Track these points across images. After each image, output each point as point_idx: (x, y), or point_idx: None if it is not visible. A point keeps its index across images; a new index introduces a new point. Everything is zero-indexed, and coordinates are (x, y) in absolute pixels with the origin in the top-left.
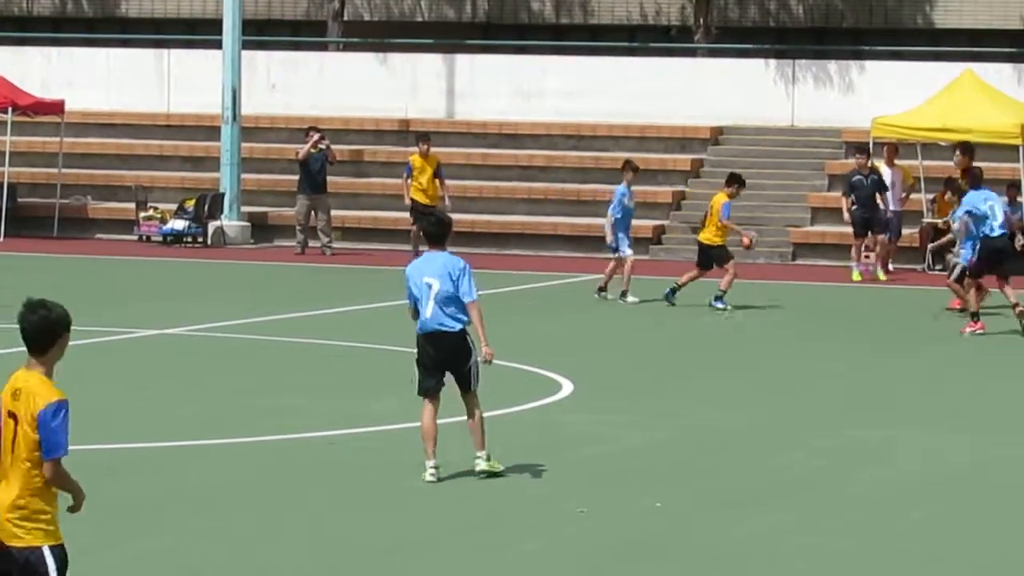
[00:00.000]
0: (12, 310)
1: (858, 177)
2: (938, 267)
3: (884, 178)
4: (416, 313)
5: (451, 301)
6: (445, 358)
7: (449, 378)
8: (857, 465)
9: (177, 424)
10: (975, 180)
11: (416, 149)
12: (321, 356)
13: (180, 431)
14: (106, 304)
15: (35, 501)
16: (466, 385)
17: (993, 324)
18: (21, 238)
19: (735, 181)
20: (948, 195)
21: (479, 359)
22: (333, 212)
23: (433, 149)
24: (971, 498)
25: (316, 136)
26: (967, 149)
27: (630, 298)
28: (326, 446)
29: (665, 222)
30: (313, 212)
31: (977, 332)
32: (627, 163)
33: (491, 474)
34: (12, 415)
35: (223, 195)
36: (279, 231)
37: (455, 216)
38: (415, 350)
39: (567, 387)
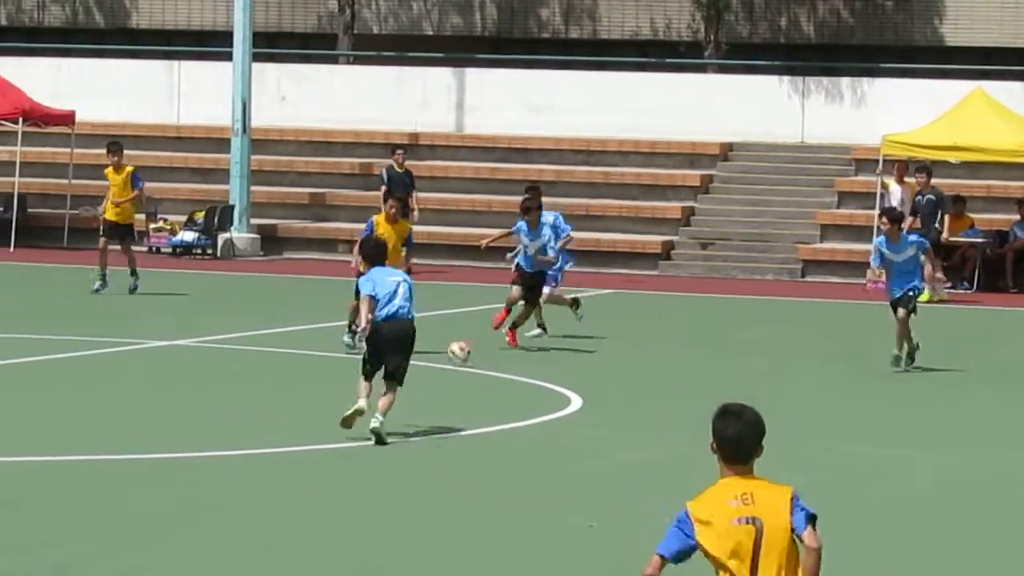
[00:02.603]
0: (21, 320)
1: (917, 197)
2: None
3: (893, 195)
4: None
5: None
6: (398, 344)
7: None
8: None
9: (183, 436)
10: None
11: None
12: (336, 368)
13: (185, 443)
14: (116, 315)
15: None
16: (401, 378)
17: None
18: (31, 248)
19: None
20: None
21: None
22: (339, 224)
23: (444, 163)
24: None
25: (401, 153)
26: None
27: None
28: (339, 459)
29: (675, 237)
30: None
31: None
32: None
33: (377, 437)
34: (751, 520)
35: (232, 207)
36: (288, 243)
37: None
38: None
39: (576, 401)
